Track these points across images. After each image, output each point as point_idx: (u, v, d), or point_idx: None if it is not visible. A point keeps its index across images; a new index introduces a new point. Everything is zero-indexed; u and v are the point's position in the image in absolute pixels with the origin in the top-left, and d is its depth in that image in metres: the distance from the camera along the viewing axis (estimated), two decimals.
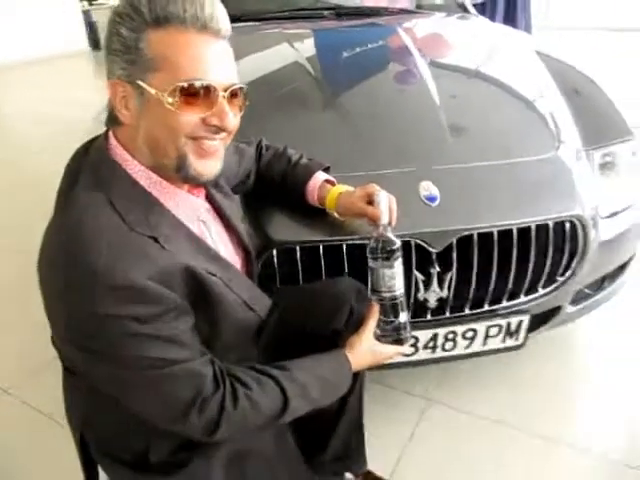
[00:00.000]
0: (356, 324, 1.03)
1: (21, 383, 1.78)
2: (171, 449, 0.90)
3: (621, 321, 1.93)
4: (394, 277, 1.00)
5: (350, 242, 1.21)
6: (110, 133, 0.80)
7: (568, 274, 1.37)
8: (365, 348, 0.99)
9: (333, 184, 1.18)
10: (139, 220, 0.76)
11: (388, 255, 0.98)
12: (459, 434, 1.53)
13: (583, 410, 1.62)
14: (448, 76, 1.77)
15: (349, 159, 1.35)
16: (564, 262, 1.36)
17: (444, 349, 1.35)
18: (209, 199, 0.93)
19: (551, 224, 1.30)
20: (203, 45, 0.73)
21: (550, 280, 1.36)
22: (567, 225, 1.32)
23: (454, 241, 1.24)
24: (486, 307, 1.33)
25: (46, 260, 0.75)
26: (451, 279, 1.27)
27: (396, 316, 1.02)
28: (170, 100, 0.71)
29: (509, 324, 1.34)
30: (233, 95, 0.77)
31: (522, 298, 1.35)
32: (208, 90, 0.73)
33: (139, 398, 0.79)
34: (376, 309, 1.01)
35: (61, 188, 0.80)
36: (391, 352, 1.03)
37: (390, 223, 1.05)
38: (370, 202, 1.08)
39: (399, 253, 0.99)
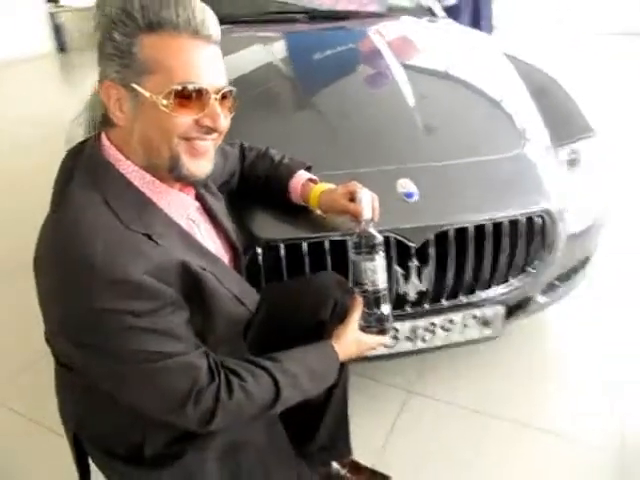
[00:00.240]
0: (340, 316, 1.07)
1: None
2: (166, 442, 0.92)
3: (588, 313, 2.02)
4: (376, 271, 1.04)
5: (332, 238, 1.25)
6: (103, 134, 0.83)
7: (538, 266, 1.44)
8: (351, 339, 1.03)
9: (315, 182, 1.22)
10: (133, 218, 0.78)
11: (371, 250, 1.02)
12: (439, 423, 1.58)
13: (554, 396, 1.69)
14: (421, 77, 1.83)
15: (328, 159, 1.39)
16: (535, 254, 1.42)
17: (424, 340, 1.40)
18: (198, 198, 0.96)
19: (522, 218, 1.36)
20: (195, 50, 0.76)
21: (522, 271, 1.43)
22: (537, 219, 1.39)
23: (432, 236, 1.29)
24: (462, 298, 1.39)
25: (43, 258, 0.77)
26: (429, 272, 1.32)
27: (379, 308, 1.06)
28: (165, 102, 0.74)
29: (484, 314, 1.41)
30: (224, 97, 0.80)
31: (496, 289, 1.41)
32: (200, 93, 0.76)
33: (136, 391, 0.81)
34: (360, 301, 1.05)
35: (56, 186, 0.82)
36: (375, 342, 1.08)
37: (372, 219, 1.09)
38: (352, 199, 1.12)
39: (381, 247, 1.03)
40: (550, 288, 1.60)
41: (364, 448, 1.42)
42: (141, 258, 0.75)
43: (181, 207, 0.88)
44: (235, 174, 1.23)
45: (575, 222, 1.52)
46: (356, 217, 1.09)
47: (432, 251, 1.30)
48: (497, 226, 1.33)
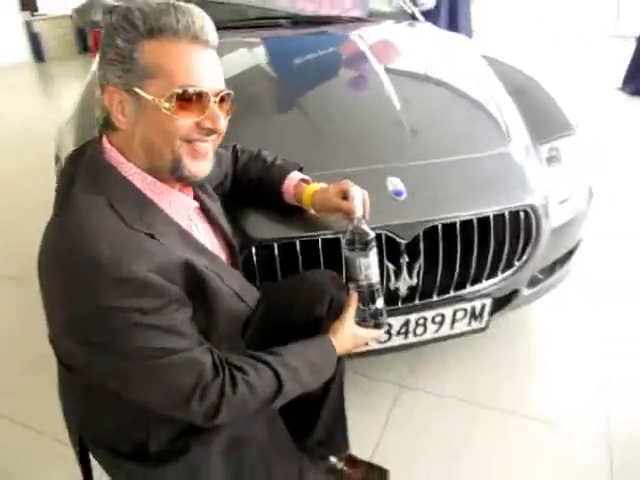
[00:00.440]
0: (336, 312, 1.10)
1: None
2: (170, 438, 0.93)
3: (573, 308, 2.08)
4: (370, 266, 1.07)
5: (325, 237, 1.28)
6: (104, 138, 0.85)
7: (524, 259, 1.49)
8: (347, 333, 1.06)
9: (308, 183, 1.25)
10: (135, 219, 0.80)
11: (364, 246, 1.05)
12: (430, 415, 1.63)
13: (541, 387, 1.74)
14: (405, 80, 1.88)
15: (318, 160, 1.41)
16: (520, 248, 1.47)
17: (415, 334, 1.44)
18: (195, 199, 0.98)
19: (507, 214, 1.41)
20: (195, 54, 0.78)
21: (508, 265, 1.48)
22: (521, 214, 1.43)
23: (421, 232, 1.33)
24: (452, 293, 1.43)
25: (48, 261, 0.79)
26: (419, 268, 1.36)
27: (374, 303, 1.10)
28: (167, 105, 0.77)
29: (473, 307, 1.45)
30: (222, 100, 0.83)
31: (484, 283, 1.45)
32: (201, 96, 0.79)
33: (141, 388, 0.83)
34: (355, 297, 1.09)
35: (58, 190, 0.84)
36: (370, 336, 1.11)
37: (364, 216, 1.13)
38: (344, 197, 1.16)
39: (374, 243, 1.06)
40: (535, 281, 1.65)
41: (360, 443, 1.45)
42: (145, 257, 0.77)
43: (181, 207, 0.90)
44: (228, 176, 1.26)
45: (557, 217, 1.57)
46: (349, 214, 1.12)
47: (422, 247, 1.33)
48: (484, 221, 1.38)
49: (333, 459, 1.38)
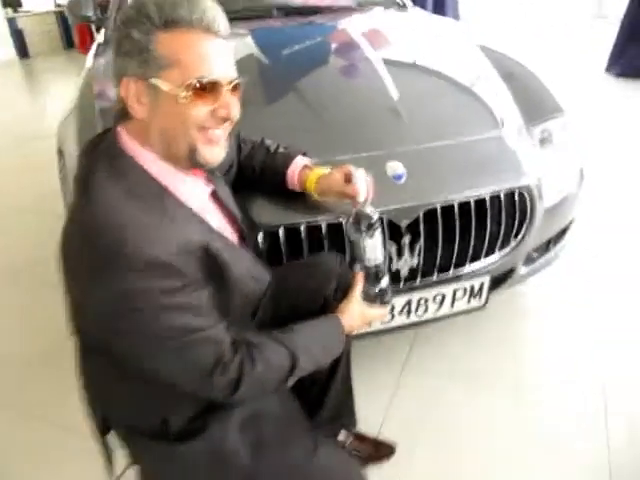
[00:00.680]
0: (343, 292, 1.14)
1: None
2: (190, 417, 0.97)
3: (567, 293, 2.14)
4: (375, 247, 1.11)
5: (330, 221, 1.32)
6: (119, 128, 0.88)
7: (520, 238, 1.54)
8: (355, 312, 1.10)
9: (311, 169, 1.28)
10: (153, 205, 0.83)
11: (369, 227, 1.09)
12: (433, 394, 1.68)
13: (530, 368, 1.80)
14: (400, 66, 1.90)
15: (318, 148, 1.44)
16: (516, 227, 1.52)
17: (417, 314, 1.49)
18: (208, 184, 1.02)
19: (502, 195, 1.45)
20: (208, 44, 0.81)
21: (505, 244, 1.53)
22: (516, 195, 1.48)
23: (421, 214, 1.37)
24: (452, 271, 1.48)
25: (72, 250, 0.81)
26: (420, 248, 1.40)
27: (379, 282, 1.14)
28: (183, 94, 0.80)
29: (472, 286, 1.50)
30: (234, 88, 0.86)
31: (482, 261, 1.50)
32: (215, 85, 0.82)
33: (165, 366, 0.86)
34: (361, 277, 1.13)
35: (77, 180, 0.86)
36: (377, 314, 1.15)
37: (368, 198, 1.16)
38: (348, 181, 1.19)
39: (378, 224, 1.10)
40: (530, 259, 1.71)
41: (366, 421, 1.50)
42: (164, 241, 0.80)
43: (195, 193, 0.93)
44: (233, 165, 1.29)
45: (550, 196, 1.62)
46: (353, 197, 1.16)
47: (422, 228, 1.38)
48: (481, 202, 1.42)
49: (342, 436, 1.43)
